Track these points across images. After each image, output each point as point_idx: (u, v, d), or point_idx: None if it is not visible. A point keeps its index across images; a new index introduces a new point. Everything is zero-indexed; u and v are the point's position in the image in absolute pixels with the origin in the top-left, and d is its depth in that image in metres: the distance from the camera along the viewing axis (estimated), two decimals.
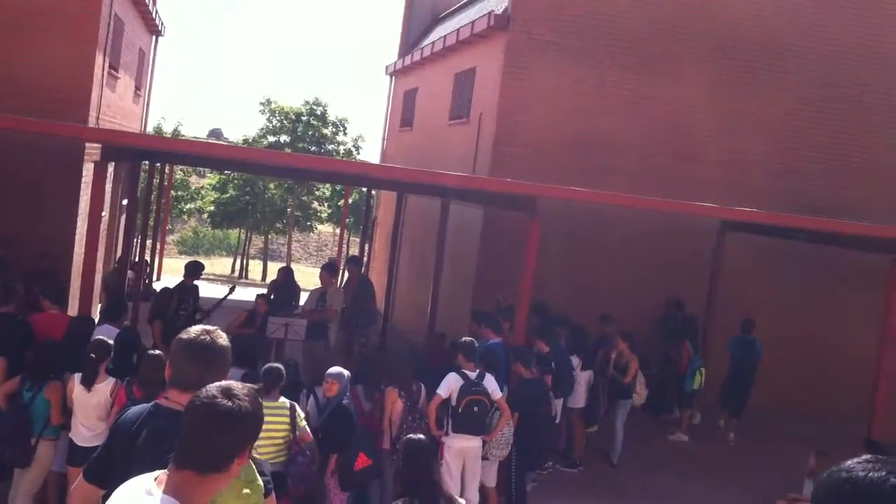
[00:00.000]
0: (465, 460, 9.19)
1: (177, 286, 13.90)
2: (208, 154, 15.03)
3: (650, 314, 15.64)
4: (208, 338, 3.66)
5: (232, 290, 14.22)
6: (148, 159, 17.36)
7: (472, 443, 9.17)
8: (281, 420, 7.95)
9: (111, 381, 8.26)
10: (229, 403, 2.82)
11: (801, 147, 16.57)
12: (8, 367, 8.71)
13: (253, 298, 14.32)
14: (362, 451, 8.34)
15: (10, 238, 13.08)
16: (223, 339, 3.72)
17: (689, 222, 15.45)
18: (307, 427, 8.12)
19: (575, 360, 12.13)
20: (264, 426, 3.09)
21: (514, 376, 10.44)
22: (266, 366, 8.42)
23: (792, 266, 16.40)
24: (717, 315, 15.69)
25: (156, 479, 2.84)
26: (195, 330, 3.72)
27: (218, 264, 50.04)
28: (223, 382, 2.93)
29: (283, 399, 8.10)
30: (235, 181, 40.01)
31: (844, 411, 15.02)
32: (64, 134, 12.05)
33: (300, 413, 8.10)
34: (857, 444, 11.29)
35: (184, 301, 13.36)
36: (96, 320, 10.45)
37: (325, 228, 52.29)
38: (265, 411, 7.58)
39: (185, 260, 31.92)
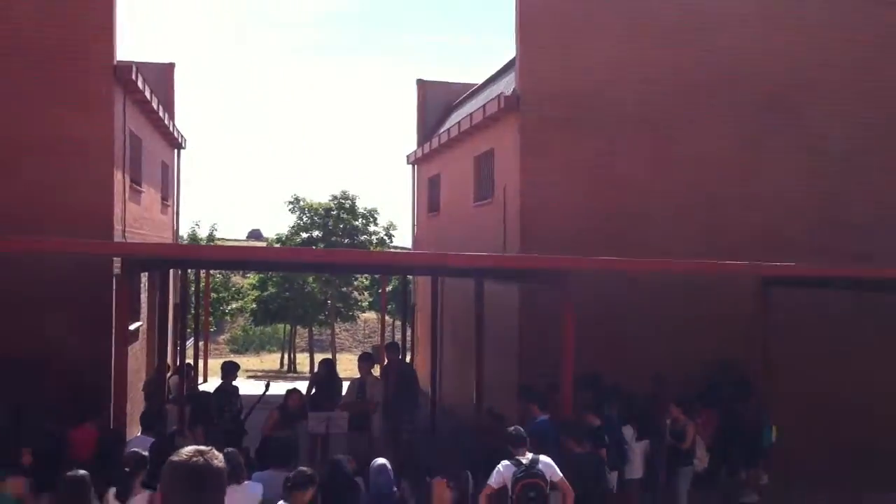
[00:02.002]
0: None
1: (216, 389, 13.76)
2: (223, 258, 15.09)
3: (698, 377, 15.10)
4: (201, 459, 3.35)
5: (267, 387, 14.01)
6: (175, 266, 17.42)
7: None
8: None
9: (146, 493, 8.10)
10: None
11: (835, 196, 16.20)
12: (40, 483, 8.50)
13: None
14: None
15: (46, 357, 13.11)
16: (218, 459, 3.40)
17: (727, 282, 15.06)
18: None
19: (629, 431, 11.68)
20: None
21: (564, 452, 10.01)
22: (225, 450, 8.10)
23: (837, 315, 15.86)
24: (773, 373, 15.11)
25: None
26: (187, 451, 3.40)
27: (268, 360, 50.20)
28: None
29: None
30: (275, 279, 40.20)
31: None
32: (59, 251, 12.32)
33: None
34: None
35: (225, 403, 13.20)
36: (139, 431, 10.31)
37: (370, 315, 52.30)
38: None
39: (236, 358, 31.96)
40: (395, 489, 8.41)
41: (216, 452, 3.43)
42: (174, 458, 3.39)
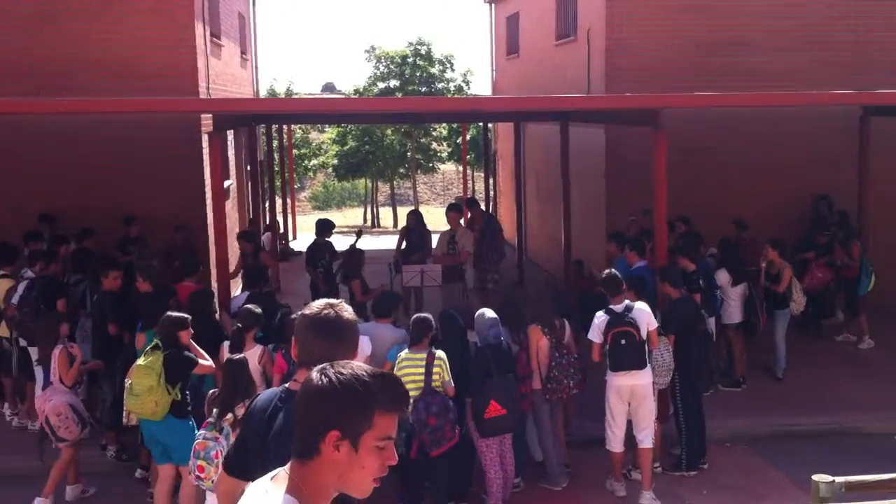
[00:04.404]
0: (631, 401, 8.62)
1: (310, 245, 13.72)
2: (316, 110, 15.01)
3: (798, 215, 14.77)
4: (332, 312, 3.41)
5: (359, 234, 14.03)
6: (262, 122, 17.46)
7: (637, 380, 8.52)
8: (415, 373, 7.74)
9: (259, 348, 8.31)
10: (321, 380, 2.49)
11: None
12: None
13: (389, 246, 13.73)
14: (493, 399, 8.05)
15: (145, 217, 13.41)
16: (348, 312, 3.47)
17: (826, 113, 14.42)
18: (450, 380, 7.88)
19: (724, 276, 11.50)
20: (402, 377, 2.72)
21: (662, 298, 9.91)
22: (415, 316, 8.25)
23: None
24: (870, 210, 14.65)
25: (273, 476, 2.59)
26: (318, 304, 3.48)
27: (350, 215, 50.82)
28: (335, 363, 2.58)
29: (433, 350, 7.90)
30: (354, 132, 40.10)
31: None
32: (165, 110, 12.11)
33: (439, 363, 7.83)
34: None
35: (320, 258, 13.27)
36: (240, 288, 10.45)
37: (449, 167, 52.13)
38: (406, 363, 7.55)
39: (320, 215, 32.38)
40: (503, 339, 8.45)
41: (346, 305, 3.49)
42: (306, 311, 3.48)
